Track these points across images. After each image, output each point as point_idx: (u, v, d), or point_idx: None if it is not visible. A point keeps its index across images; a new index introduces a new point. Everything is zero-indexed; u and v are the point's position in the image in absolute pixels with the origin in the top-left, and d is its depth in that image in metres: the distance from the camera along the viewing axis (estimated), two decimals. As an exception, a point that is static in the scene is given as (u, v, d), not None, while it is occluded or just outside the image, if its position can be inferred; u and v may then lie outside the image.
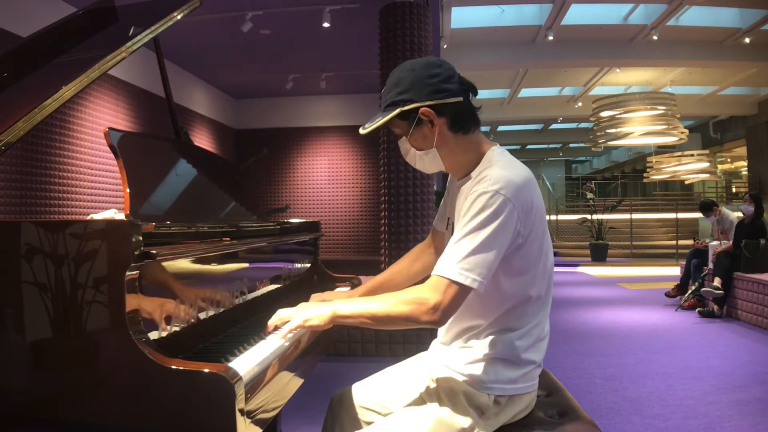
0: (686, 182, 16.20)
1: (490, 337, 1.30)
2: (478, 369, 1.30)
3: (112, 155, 1.38)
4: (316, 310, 1.28)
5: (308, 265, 2.29)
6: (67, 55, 1.87)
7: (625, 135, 12.80)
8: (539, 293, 1.31)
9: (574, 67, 11.77)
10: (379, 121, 1.31)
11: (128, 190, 1.33)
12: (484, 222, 1.19)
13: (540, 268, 1.30)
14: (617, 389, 3.31)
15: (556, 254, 13.23)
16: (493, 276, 1.24)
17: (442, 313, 1.18)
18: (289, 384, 1.29)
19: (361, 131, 1.33)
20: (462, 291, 1.18)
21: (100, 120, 5.78)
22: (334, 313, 1.26)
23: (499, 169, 1.25)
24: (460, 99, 1.31)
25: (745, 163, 16.81)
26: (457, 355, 1.35)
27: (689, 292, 6.08)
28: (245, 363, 1.17)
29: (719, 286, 5.51)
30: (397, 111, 1.29)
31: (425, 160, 1.37)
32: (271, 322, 1.34)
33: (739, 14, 9.48)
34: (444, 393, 1.33)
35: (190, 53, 6.95)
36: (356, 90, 9.05)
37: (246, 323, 1.56)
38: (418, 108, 1.28)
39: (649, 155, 16.77)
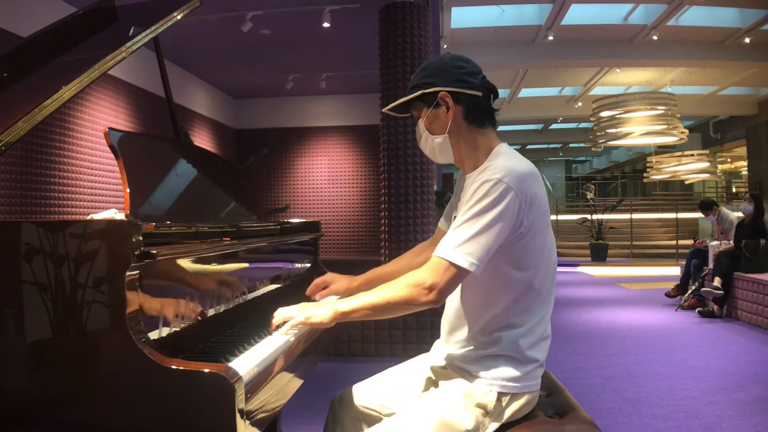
0: (686, 182, 16.21)
1: (494, 334, 1.31)
2: (481, 367, 1.31)
3: (112, 155, 1.38)
4: (318, 309, 1.32)
5: (308, 265, 2.29)
6: (67, 55, 1.87)
7: (625, 135, 12.80)
8: (542, 288, 1.33)
9: (574, 67, 11.77)
10: (401, 100, 1.40)
11: (128, 190, 1.33)
12: (485, 208, 1.22)
13: (543, 262, 1.32)
14: (617, 389, 3.31)
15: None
16: (498, 268, 1.28)
17: (439, 293, 1.22)
18: (289, 384, 1.29)
19: (384, 110, 1.45)
20: (459, 273, 1.22)
21: (100, 120, 5.78)
22: (335, 311, 1.29)
23: (503, 160, 1.30)
24: (479, 94, 1.37)
25: (745, 163, 16.81)
26: (459, 353, 1.35)
27: (689, 292, 6.08)
28: (245, 363, 1.16)
29: (719, 286, 5.51)
30: (419, 93, 1.37)
31: (436, 147, 1.41)
32: (275, 320, 1.36)
33: (739, 14, 9.48)
34: (446, 392, 1.33)
35: (190, 53, 6.96)
36: (356, 90, 9.05)
37: (246, 323, 1.56)
38: (438, 92, 1.35)
39: (649, 155, 16.78)
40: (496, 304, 1.31)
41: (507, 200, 1.22)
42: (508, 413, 1.31)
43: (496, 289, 1.31)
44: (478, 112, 1.37)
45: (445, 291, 1.23)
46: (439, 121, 1.38)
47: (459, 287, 1.36)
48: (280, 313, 1.36)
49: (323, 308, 1.31)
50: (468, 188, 1.30)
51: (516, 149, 1.39)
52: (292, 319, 1.33)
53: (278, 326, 1.36)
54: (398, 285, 1.26)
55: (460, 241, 1.22)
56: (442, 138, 1.39)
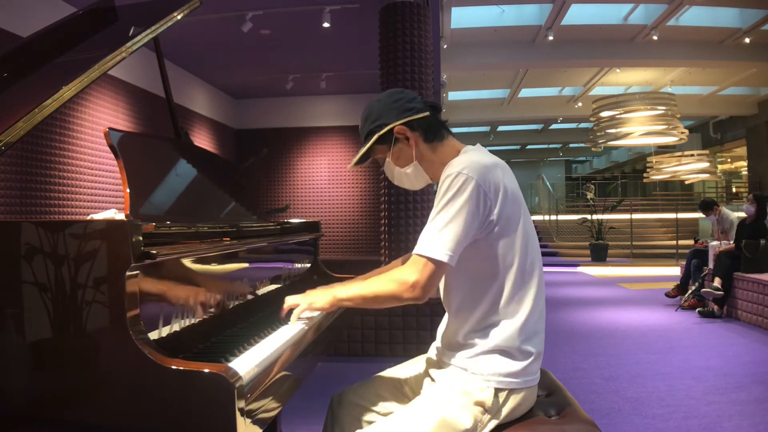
0: (686, 182, 16.19)
1: (488, 330, 1.33)
2: (478, 364, 1.32)
3: (112, 155, 1.38)
4: (320, 295, 1.43)
5: (308, 265, 2.29)
6: (67, 55, 1.87)
7: (625, 135, 12.80)
8: (528, 278, 1.35)
9: (574, 67, 11.77)
10: (363, 150, 1.47)
11: (128, 190, 1.33)
12: (450, 200, 1.28)
13: (523, 252, 1.34)
14: (617, 389, 3.31)
15: (555, 254, 13.25)
16: (481, 262, 1.32)
17: (422, 289, 1.28)
18: (289, 384, 1.29)
19: (349, 166, 1.53)
20: (437, 267, 1.27)
21: (100, 120, 5.78)
22: (334, 297, 1.41)
23: (464, 156, 1.36)
24: (427, 113, 1.45)
25: (745, 163, 16.81)
26: (455, 351, 1.36)
27: (689, 292, 6.08)
28: (245, 363, 1.17)
29: (719, 286, 5.51)
30: (376, 137, 1.44)
31: (411, 176, 1.48)
32: (285, 306, 1.46)
33: (739, 14, 9.48)
34: (445, 391, 1.33)
35: (190, 53, 6.95)
36: (356, 90, 9.04)
37: (246, 323, 1.56)
38: (392, 129, 1.43)
39: (649, 155, 16.78)
40: (485, 299, 1.33)
41: (469, 189, 1.27)
42: (506, 410, 1.31)
43: (483, 284, 1.33)
44: (434, 129, 1.45)
45: (427, 287, 1.28)
46: (404, 154, 1.46)
47: (449, 286, 1.39)
48: (289, 300, 1.46)
49: (324, 294, 1.42)
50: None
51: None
52: (297, 307, 1.44)
53: (288, 314, 1.47)
54: (386, 280, 1.33)
55: (432, 235, 1.28)
56: (412, 167, 1.46)
